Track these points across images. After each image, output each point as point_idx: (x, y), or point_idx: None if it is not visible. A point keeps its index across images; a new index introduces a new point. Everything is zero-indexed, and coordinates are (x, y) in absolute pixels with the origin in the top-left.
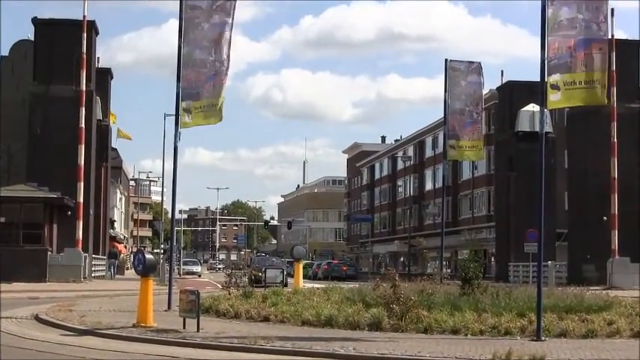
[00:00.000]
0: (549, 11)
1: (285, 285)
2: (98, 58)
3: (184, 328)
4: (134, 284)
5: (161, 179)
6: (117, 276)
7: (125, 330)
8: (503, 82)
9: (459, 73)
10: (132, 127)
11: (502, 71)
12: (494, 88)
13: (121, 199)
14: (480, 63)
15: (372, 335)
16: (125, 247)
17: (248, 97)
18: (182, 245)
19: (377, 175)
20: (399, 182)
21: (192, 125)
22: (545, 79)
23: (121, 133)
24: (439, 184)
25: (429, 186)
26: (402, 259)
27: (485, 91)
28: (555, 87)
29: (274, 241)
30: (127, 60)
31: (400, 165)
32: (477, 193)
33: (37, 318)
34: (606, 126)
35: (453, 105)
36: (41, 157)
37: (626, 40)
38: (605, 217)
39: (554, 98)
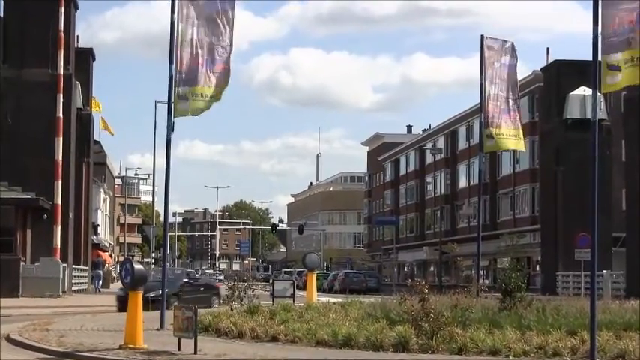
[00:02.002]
0: None
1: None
2: (78, 36)
3: (180, 349)
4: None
5: (152, 177)
6: (101, 289)
7: (111, 352)
8: (549, 61)
9: (493, 52)
10: (117, 117)
11: (547, 49)
12: (539, 68)
13: (105, 200)
14: (512, 43)
15: (397, 357)
16: (110, 255)
17: (252, 81)
18: (177, 253)
19: (402, 171)
20: (428, 179)
21: (190, 114)
22: (599, 58)
23: (104, 125)
24: (475, 181)
25: (462, 183)
26: (432, 268)
27: (527, 73)
28: (614, 67)
29: (283, 248)
30: (111, 39)
31: (429, 159)
32: (518, 191)
33: (8, 339)
34: None
35: (490, 89)
36: (13, 151)
37: None
38: None
39: (610, 80)
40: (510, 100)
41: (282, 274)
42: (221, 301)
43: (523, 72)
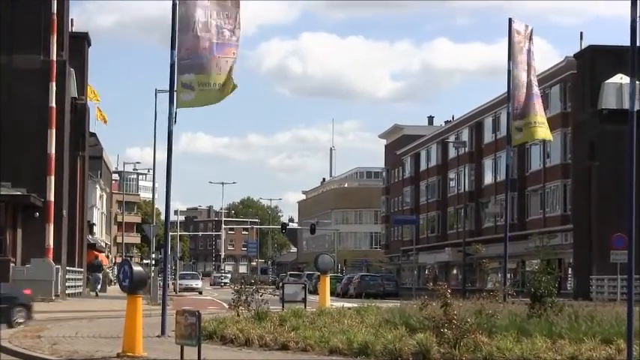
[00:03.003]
0: None
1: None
2: (72, 20)
3: (182, 358)
4: (118, 303)
5: (152, 172)
6: (99, 293)
7: None
8: (583, 47)
9: (522, 37)
10: (115, 108)
11: (581, 33)
12: (572, 55)
13: (101, 196)
14: (532, 29)
15: None
16: (107, 257)
17: (259, 68)
18: (179, 255)
19: (423, 166)
20: (451, 174)
21: (195, 105)
22: (638, 42)
23: (100, 115)
24: (502, 177)
25: (488, 179)
26: (454, 271)
27: (559, 59)
28: None
29: (294, 249)
30: (107, 23)
31: (452, 153)
32: (549, 187)
33: None
34: None
35: (519, 76)
36: (2, 144)
37: None
38: None
39: None
40: (535, 87)
41: (288, 277)
42: (32, 315)
43: (554, 58)
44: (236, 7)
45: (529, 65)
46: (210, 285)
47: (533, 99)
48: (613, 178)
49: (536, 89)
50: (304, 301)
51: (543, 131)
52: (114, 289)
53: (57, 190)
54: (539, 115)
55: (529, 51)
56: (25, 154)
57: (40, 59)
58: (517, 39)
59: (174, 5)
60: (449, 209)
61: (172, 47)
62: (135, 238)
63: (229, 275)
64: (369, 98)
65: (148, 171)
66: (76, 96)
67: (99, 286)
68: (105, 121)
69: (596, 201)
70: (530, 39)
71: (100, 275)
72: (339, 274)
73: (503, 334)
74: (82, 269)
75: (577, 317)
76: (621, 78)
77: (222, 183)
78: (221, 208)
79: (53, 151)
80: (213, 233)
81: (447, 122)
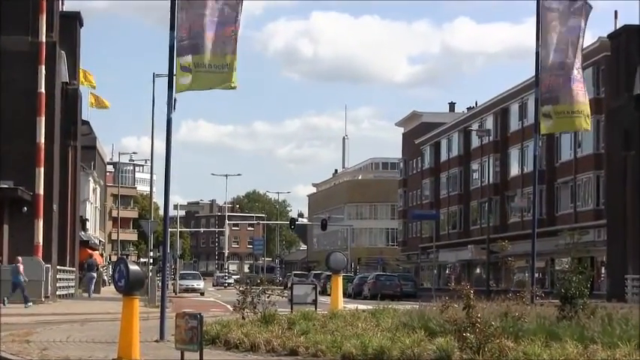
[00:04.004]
0: None
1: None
2: None
3: None
4: (113, 305)
5: (149, 163)
6: (92, 294)
7: None
8: (617, 27)
9: (556, 14)
10: (109, 94)
11: (615, 12)
12: (605, 35)
13: (95, 190)
14: (582, 2)
15: None
16: (101, 255)
17: (266, 51)
18: (179, 253)
19: (443, 156)
20: (474, 165)
21: (193, 88)
22: None
23: (95, 100)
24: (529, 168)
25: (514, 170)
26: (478, 270)
27: (592, 40)
28: None
29: (303, 247)
30: (101, 2)
31: (476, 142)
32: (580, 179)
33: None
34: None
35: (548, 58)
36: None
37: None
38: None
39: None
40: (575, 70)
41: (292, 278)
42: None
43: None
44: None
45: (571, 45)
46: (213, 286)
47: (570, 83)
48: None
49: (576, 72)
50: (315, 302)
51: (577, 122)
52: (108, 289)
53: (46, 182)
54: (577, 103)
55: (573, 29)
56: (11, 143)
57: (28, 41)
58: (549, 17)
59: None
60: (472, 203)
61: (172, 28)
62: (131, 235)
63: (234, 275)
64: (384, 83)
65: (146, 162)
66: (67, 81)
67: (91, 287)
68: (106, 106)
69: (631, 194)
70: (581, 14)
71: (95, 275)
72: (350, 274)
73: (531, 339)
74: (74, 268)
75: (611, 320)
76: None
77: (226, 175)
78: (224, 203)
79: (42, 141)
80: (216, 229)
81: (469, 109)
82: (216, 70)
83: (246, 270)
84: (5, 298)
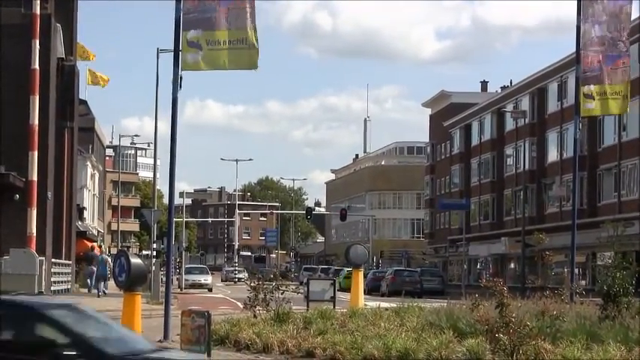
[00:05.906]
0: None
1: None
2: None
3: None
4: (113, 302)
5: (153, 146)
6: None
7: None
8: None
9: None
10: (109, 70)
11: None
12: None
13: (93, 176)
14: None
15: None
16: (100, 247)
17: (280, 24)
18: (184, 245)
19: (475, 140)
20: (508, 150)
21: (204, 68)
22: None
23: (93, 78)
24: (569, 153)
25: (552, 156)
26: (512, 265)
27: (638, 13)
28: None
29: (321, 239)
30: None
31: (510, 124)
32: (625, 166)
33: None
34: None
35: (591, 33)
36: None
37: None
38: None
39: None
40: (620, 43)
41: (302, 273)
42: None
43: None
44: None
45: (616, 18)
46: (222, 281)
47: (610, 62)
48: None
49: (622, 46)
50: (333, 300)
51: (616, 104)
52: (108, 285)
53: (40, 168)
54: (615, 84)
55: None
56: (2, 125)
57: (21, 12)
58: None
59: None
60: (505, 192)
61: None
62: (133, 225)
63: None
64: (410, 60)
65: (148, 145)
66: (64, 56)
67: (91, 282)
68: (104, 84)
69: None
70: None
71: (95, 269)
72: (375, 269)
73: (570, 340)
74: (69, 261)
75: None
76: None
77: (237, 160)
78: (234, 190)
79: (36, 122)
80: (226, 219)
81: (503, 88)
82: (231, 47)
83: (236, 261)
84: (104, 290)
